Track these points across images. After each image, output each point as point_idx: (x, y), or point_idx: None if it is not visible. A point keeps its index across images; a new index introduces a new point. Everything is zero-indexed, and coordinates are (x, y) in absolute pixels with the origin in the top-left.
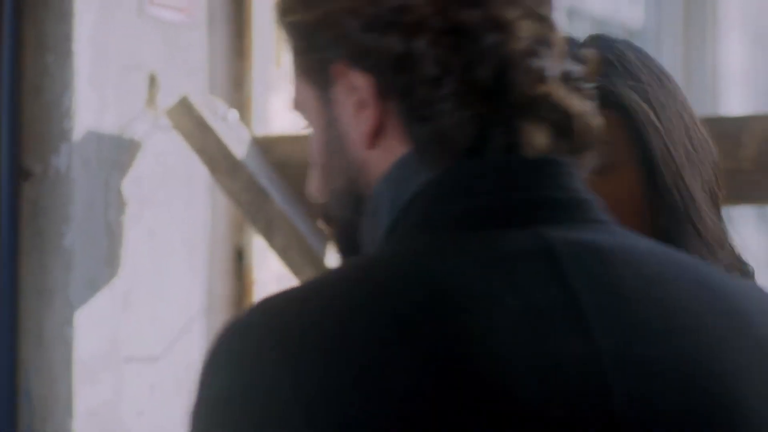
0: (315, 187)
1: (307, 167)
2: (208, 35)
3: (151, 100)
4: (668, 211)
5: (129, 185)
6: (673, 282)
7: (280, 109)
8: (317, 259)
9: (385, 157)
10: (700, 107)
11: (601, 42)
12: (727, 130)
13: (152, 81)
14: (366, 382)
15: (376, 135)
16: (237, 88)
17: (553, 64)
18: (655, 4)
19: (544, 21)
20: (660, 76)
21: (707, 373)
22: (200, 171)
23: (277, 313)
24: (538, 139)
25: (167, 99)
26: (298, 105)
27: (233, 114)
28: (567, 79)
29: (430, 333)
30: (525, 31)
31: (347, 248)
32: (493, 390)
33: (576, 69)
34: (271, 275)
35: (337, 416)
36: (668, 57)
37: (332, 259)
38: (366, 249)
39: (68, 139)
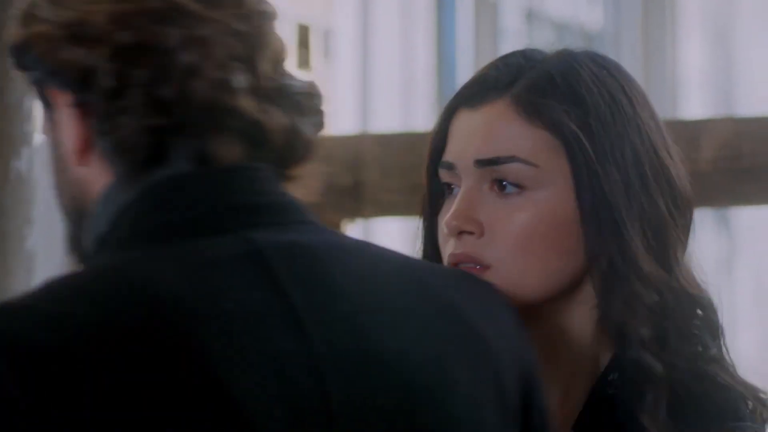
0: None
1: None
2: None
3: None
4: (594, 240)
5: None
6: (380, 277)
7: None
8: None
9: (99, 174)
10: (660, 110)
11: (562, 57)
12: (685, 132)
13: None
14: (88, 389)
15: (83, 153)
16: None
17: (243, 78)
18: (613, 7)
19: (243, 37)
20: (615, 96)
21: (417, 365)
22: None
23: None
24: (226, 149)
25: None
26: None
27: None
28: (271, 91)
29: (150, 341)
30: (219, 47)
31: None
32: (217, 394)
33: (294, 83)
34: None
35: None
36: (627, 60)
37: None
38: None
39: (29, 142)
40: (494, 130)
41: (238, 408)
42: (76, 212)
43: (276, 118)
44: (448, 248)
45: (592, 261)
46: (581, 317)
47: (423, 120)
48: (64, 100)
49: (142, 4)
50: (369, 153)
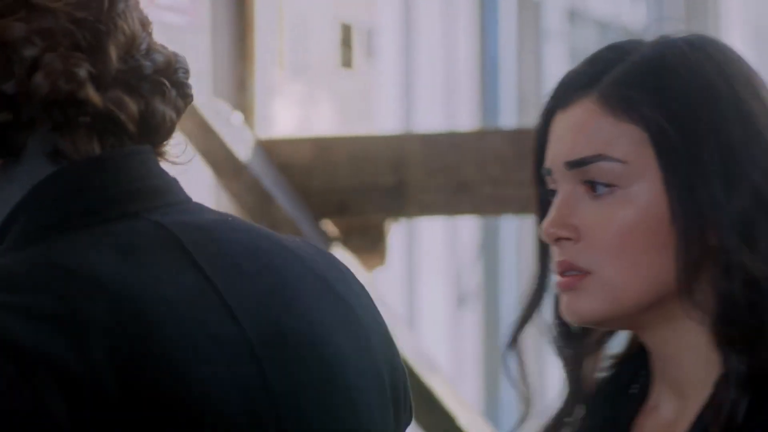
0: None
1: (312, 169)
2: (211, 38)
3: None
4: (687, 238)
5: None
6: (267, 253)
7: (283, 111)
8: None
9: None
10: None
11: (655, 46)
12: None
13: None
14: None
15: None
16: (240, 91)
17: (88, 67)
18: (656, 6)
19: (88, 26)
20: (710, 81)
21: (327, 338)
22: (204, 173)
23: None
24: (82, 141)
25: None
26: None
27: (237, 116)
28: (118, 78)
29: (104, 328)
30: (62, 38)
31: None
32: (180, 384)
33: (147, 64)
34: None
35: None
36: None
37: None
38: None
39: None
40: (581, 130)
41: (200, 397)
42: None
43: (127, 105)
44: (555, 255)
45: (689, 261)
46: (690, 324)
47: (465, 119)
48: None
49: None
50: (412, 152)
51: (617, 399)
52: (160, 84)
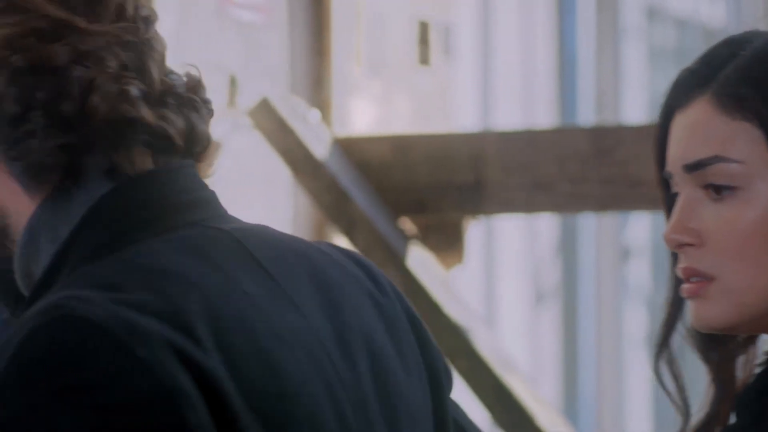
0: None
1: (390, 167)
2: (288, 35)
3: (231, 100)
4: None
5: (209, 186)
6: (310, 255)
7: (360, 108)
8: (399, 259)
9: (10, 202)
10: None
11: (760, 42)
12: None
13: (232, 82)
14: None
15: None
16: (317, 88)
17: (138, 87)
18: (735, 4)
19: (132, 46)
20: None
21: (367, 336)
22: (281, 172)
23: None
24: (139, 159)
25: (247, 100)
26: None
27: (314, 114)
28: (161, 96)
29: (205, 325)
30: (110, 59)
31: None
32: (271, 374)
33: (178, 80)
34: None
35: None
36: None
37: (413, 258)
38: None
39: None
40: (696, 131)
41: (295, 392)
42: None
43: (174, 122)
44: (679, 261)
45: None
46: None
47: (544, 117)
48: None
49: (27, 25)
50: (490, 150)
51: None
52: (193, 100)
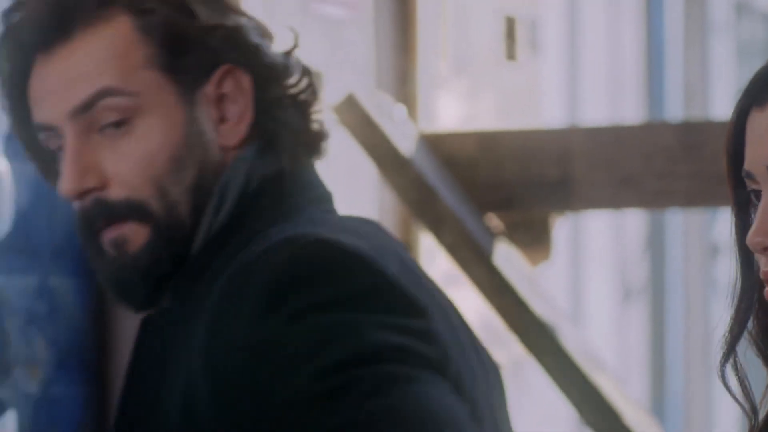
0: (147, 181)
1: (477, 163)
2: (373, 31)
3: None
4: None
5: None
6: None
7: (446, 105)
8: (485, 256)
9: (232, 155)
10: None
11: None
12: None
13: (317, 77)
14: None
15: (244, 137)
16: (403, 84)
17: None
18: None
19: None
20: None
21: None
22: (367, 168)
23: None
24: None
25: (333, 96)
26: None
27: (400, 110)
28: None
29: (404, 270)
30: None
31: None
32: (443, 353)
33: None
34: (439, 272)
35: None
36: None
37: (500, 255)
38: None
39: None
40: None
41: (456, 372)
42: (205, 192)
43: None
44: (761, 264)
45: None
46: None
47: (631, 112)
48: (245, 82)
49: None
50: (577, 146)
51: None
52: (307, 104)
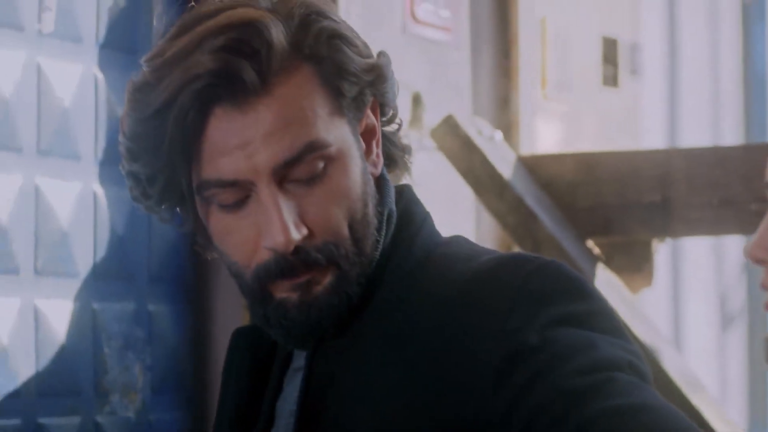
0: (343, 223)
1: (576, 186)
2: (472, 54)
3: (415, 119)
4: None
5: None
6: None
7: (545, 129)
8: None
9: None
10: None
11: None
12: None
13: (416, 100)
14: None
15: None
16: (502, 108)
17: None
18: None
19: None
20: None
21: None
22: (465, 192)
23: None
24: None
25: (431, 118)
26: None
27: (498, 134)
28: None
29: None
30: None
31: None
32: None
33: None
34: None
35: None
36: None
37: (601, 280)
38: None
39: None
40: None
41: None
42: (376, 224)
43: None
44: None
45: None
46: None
47: (731, 135)
48: (377, 112)
49: None
50: (677, 168)
51: None
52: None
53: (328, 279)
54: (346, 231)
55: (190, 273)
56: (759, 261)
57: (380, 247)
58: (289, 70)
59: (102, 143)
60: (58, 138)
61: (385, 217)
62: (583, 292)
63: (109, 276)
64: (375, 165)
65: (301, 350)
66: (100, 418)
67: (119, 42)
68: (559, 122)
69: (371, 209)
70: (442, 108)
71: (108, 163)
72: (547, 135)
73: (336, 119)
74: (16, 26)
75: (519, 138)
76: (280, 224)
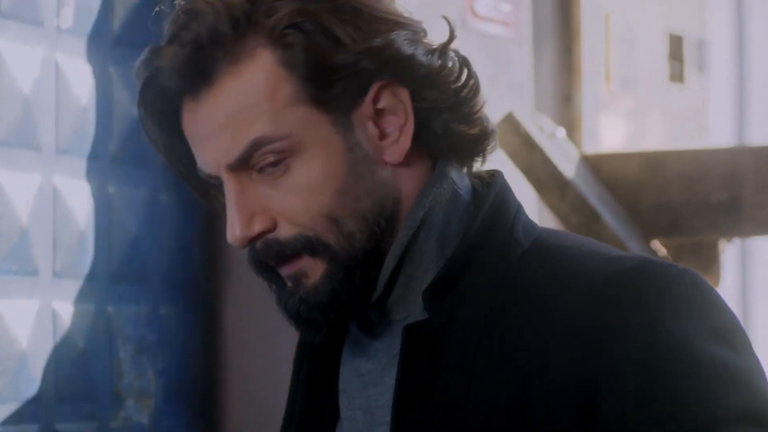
0: (317, 216)
1: (641, 186)
2: (533, 50)
3: None
4: None
5: None
6: None
7: (610, 127)
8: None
9: (416, 173)
10: None
11: None
12: None
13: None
14: None
15: (408, 152)
16: (565, 105)
17: None
18: None
19: None
20: None
21: None
22: (526, 191)
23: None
24: None
25: (491, 115)
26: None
27: (561, 131)
28: None
29: None
30: None
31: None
32: None
33: None
34: None
35: None
36: None
37: None
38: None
39: None
40: None
41: None
42: (382, 214)
43: None
44: None
45: None
46: None
47: None
48: (402, 94)
49: None
50: (746, 166)
51: None
52: (466, 103)
53: (318, 272)
54: (322, 223)
55: (201, 276)
56: None
57: (399, 241)
58: (241, 56)
59: (117, 143)
60: (76, 137)
61: (425, 205)
62: (722, 304)
63: (123, 278)
64: (389, 151)
65: (316, 341)
66: (114, 424)
67: (132, 38)
68: (624, 120)
69: (366, 203)
70: (504, 106)
71: (122, 163)
72: (612, 133)
73: (297, 110)
74: (35, 22)
75: (582, 136)
76: (233, 219)
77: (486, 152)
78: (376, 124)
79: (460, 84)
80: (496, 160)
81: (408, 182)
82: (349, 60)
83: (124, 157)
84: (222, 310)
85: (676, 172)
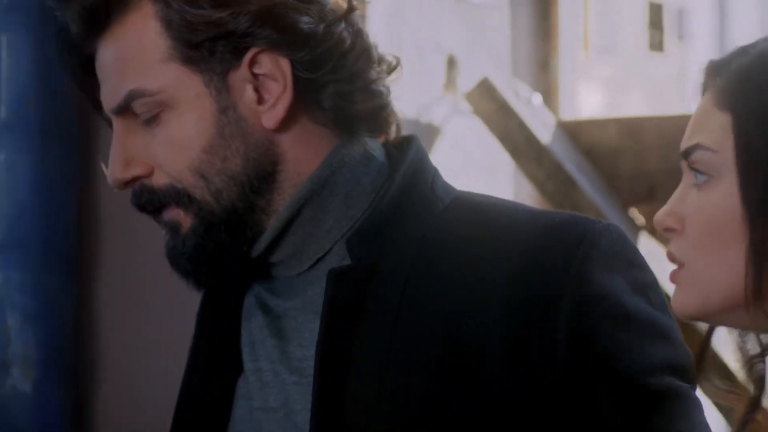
0: (185, 171)
1: (619, 152)
2: (510, 15)
3: (450, 82)
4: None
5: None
6: None
7: (588, 94)
8: None
9: (307, 139)
10: None
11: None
12: None
13: (451, 63)
14: None
15: (284, 120)
16: (542, 71)
17: None
18: None
19: None
20: None
21: None
22: (502, 157)
23: None
24: None
25: (467, 82)
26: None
27: (537, 97)
28: None
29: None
30: None
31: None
32: None
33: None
34: None
35: None
36: None
37: (644, 249)
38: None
39: None
40: (694, 121)
41: None
42: (255, 175)
43: None
44: None
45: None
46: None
47: None
48: (282, 63)
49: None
50: None
51: None
52: (358, 75)
53: (187, 224)
54: (190, 178)
55: (75, 242)
56: (668, 230)
57: (277, 200)
58: (130, 7)
59: (4, 109)
60: None
61: (330, 165)
62: (643, 261)
63: (9, 246)
64: (265, 117)
65: (196, 290)
66: (3, 392)
67: (21, 4)
68: (603, 88)
69: (235, 163)
70: (480, 71)
71: (10, 130)
72: (590, 101)
73: (170, 66)
74: None
75: (559, 102)
76: (112, 161)
77: (386, 125)
78: (256, 88)
79: (351, 56)
80: (473, 127)
81: (296, 147)
82: (219, 21)
83: (12, 124)
84: (96, 279)
85: (654, 138)
